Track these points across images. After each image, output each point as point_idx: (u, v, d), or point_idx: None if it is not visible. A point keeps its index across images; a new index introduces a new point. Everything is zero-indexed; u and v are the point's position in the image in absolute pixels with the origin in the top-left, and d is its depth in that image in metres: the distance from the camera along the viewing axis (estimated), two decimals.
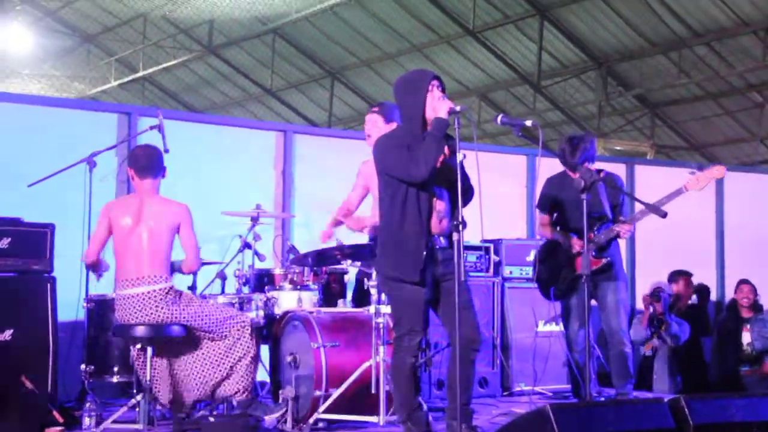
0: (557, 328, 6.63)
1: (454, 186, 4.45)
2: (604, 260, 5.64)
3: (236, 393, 5.31)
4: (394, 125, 5.62)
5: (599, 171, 5.77)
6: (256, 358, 5.43)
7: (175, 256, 5.42)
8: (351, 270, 6.10)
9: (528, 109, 16.63)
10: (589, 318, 5.54)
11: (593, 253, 5.57)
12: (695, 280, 8.87)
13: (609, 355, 5.75)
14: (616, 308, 5.66)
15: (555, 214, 5.86)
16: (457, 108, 4.44)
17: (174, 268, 5.46)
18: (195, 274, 5.80)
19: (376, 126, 5.68)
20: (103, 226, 5.33)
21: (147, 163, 5.38)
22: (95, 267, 5.44)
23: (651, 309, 8.10)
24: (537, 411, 3.90)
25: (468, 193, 4.57)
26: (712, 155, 16.90)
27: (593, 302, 5.78)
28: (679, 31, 13.79)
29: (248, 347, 5.34)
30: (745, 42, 13.69)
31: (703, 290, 8.95)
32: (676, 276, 8.69)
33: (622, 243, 8.77)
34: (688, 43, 14.01)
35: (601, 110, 16.03)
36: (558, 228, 5.81)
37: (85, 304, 5.75)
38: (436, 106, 4.49)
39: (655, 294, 8.04)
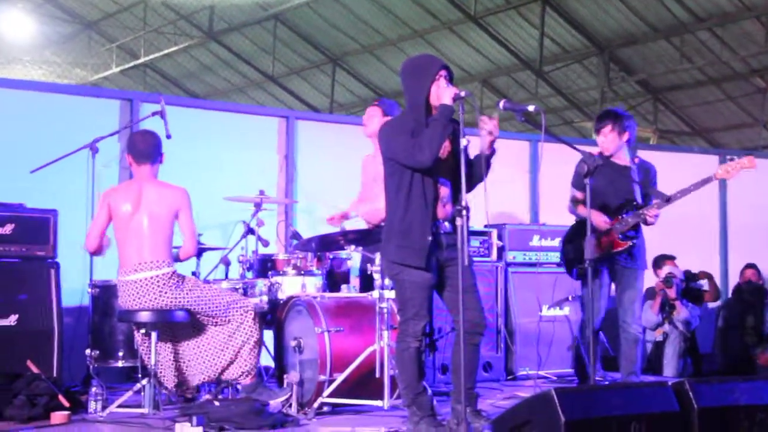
0: (561, 312, 6.64)
1: (457, 171, 4.46)
2: (629, 242, 5.64)
3: (240, 376, 5.34)
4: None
5: (635, 158, 5.80)
6: (260, 342, 5.44)
7: (175, 243, 5.42)
8: (354, 255, 6.10)
9: (530, 95, 16.59)
10: (603, 301, 5.59)
11: (619, 236, 5.60)
12: (699, 266, 8.87)
13: (619, 340, 5.76)
14: (632, 294, 5.67)
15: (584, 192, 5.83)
16: (462, 93, 4.44)
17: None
18: (199, 256, 5.81)
19: (374, 118, 5.85)
20: (104, 214, 5.33)
21: (144, 148, 5.37)
22: (97, 253, 5.44)
23: (663, 294, 8.10)
24: (541, 395, 3.91)
25: (473, 179, 4.57)
26: (715, 140, 16.88)
27: (612, 286, 5.80)
28: (682, 16, 13.75)
29: (252, 331, 5.35)
30: (748, 27, 13.66)
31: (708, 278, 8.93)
32: (661, 261, 8.67)
33: None
34: (691, 28, 13.97)
35: (603, 96, 16.01)
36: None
37: (89, 290, 5.76)
38: (441, 92, 4.49)
39: (668, 280, 8.04)
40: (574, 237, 5.86)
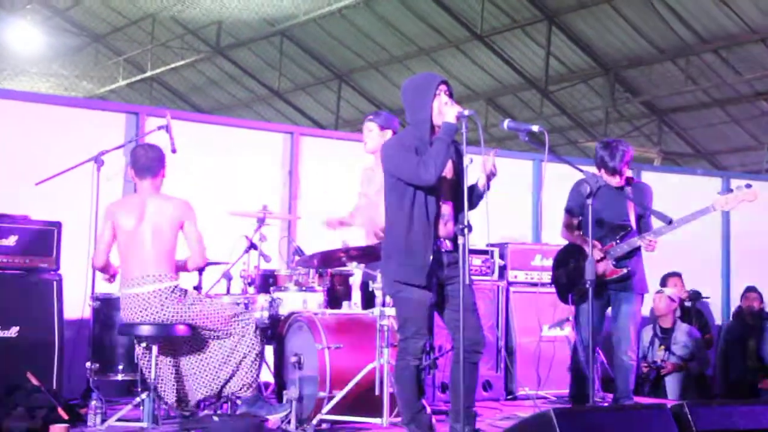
0: (561, 332, 6.63)
1: (459, 190, 4.48)
2: (622, 270, 5.63)
3: (241, 389, 5.33)
4: (389, 132, 5.68)
5: (630, 179, 5.77)
6: (260, 356, 5.44)
7: (179, 256, 5.43)
8: (356, 272, 6.11)
9: (535, 114, 16.61)
10: (599, 324, 5.57)
11: (613, 262, 5.58)
12: (701, 289, 8.85)
13: (614, 364, 5.75)
14: (626, 320, 5.65)
15: (581, 218, 5.82)
16: (466, 112, 4.46)
17: (178, 266, 5.46)
18: (201, 270, 5.82)
19: (371, 133, 5.82)
20: (108, 229, 5.34)
21: (146, 162, 5.39)
22: (105, 270, 5.45)
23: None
24: (540, 415, 3.91)
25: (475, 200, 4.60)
26: (719, 163, 16.88)
27: (608, 310, 5.79)
28: (687, 38, 13.78)
29: (252, 345, 5.36)
30: (753, 50, 13.68)
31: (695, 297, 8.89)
32: (666, 278, 8.64)
33: None
34: (696, 50, 14.00)
35: (608, 116, 16.03)
36: (581, 232, 5.78)
37: (90, 303, 5.77)
38: (444, 110, 4.51)
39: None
40: (565, 262, 5.85)
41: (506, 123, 4.64)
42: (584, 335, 5.73)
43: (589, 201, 4.96)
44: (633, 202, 5.68)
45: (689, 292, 8.70)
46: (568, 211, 5.83)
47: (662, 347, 7.97)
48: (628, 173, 5.82)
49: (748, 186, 5.48)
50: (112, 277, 5.46)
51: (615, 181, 5.68)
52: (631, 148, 5.75)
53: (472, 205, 4.55)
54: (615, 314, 5.70)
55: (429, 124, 4.54)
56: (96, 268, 5.46)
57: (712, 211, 5.48)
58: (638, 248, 5.65)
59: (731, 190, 5.44)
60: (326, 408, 5.09)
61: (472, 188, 4.59)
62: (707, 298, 8.95)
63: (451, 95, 4.59)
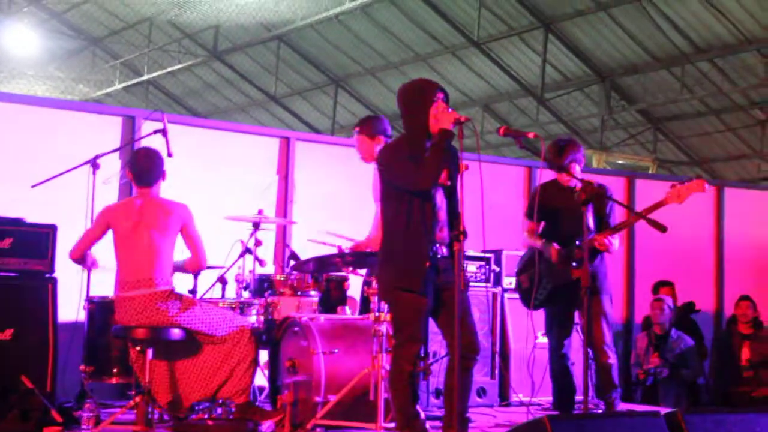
0: None
1: (454, 196, 4.50)
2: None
3: (234, 395, 5.33)
4: (380, 138, 5.66)
5: (589, 182, 5.76)
6: (255, 362, 5.44)
7: (177, 257, 5.43)
8: (351, 277, 6.11)
9: (531, 121, 16.64)
10: (569, 328, 5.59)
11: (574, 264, 5.56)
12: (694, 297, 8.87)
13: (595, 366, 5.77)
14: (597, 321, 5.64)
15: (543, 223, 5.84)
16: (462, 119, 4.47)
17: (177, 268, 5.46)
18: (197, 275, 5.83)
19: (363, 145, 5.77)
20: (99, 229, 5.35)
21: (145, 167, 5.39)
22: (80, 262, 5.45)
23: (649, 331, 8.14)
24: (533, 421, 3.92)
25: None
26: (714, 171, 16.92)
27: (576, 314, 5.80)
28: (683, 47, 13.82)
29: (247, 350, 5.36)
30: (748, 59, 13.72)
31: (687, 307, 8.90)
32: (658, 287, 8.65)
33: (620, 259, 8.84)
34: (692, 59, 14.04)
35: (603, 124, 16.05)
36: (543, 237, 5.79)
37: (85, 305, 5.76)
38: (440, 116, 4.51)
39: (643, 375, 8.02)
40: (527, 267, 5.87)
41: (501, 130, 4.66)
42: (552, 341, 5.75)
43: (585, 208, 4.97)
44: (593, 206, 5.67)
45: (683, 304, 8.73)
46: (528, 215, 5.84)
47: (656, 354, 7.99)
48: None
49: (698, 176, 5.51)
50: (88, 270, 5.46)
51: (568, 182, 5.67)
52: (582, 149, 5.76)
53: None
54: (587, 317, 5.67)
55: (425, 130, 4.55)
56: (71, 259, 5.44)
57: (665, 204, 5.44)
58: (597, 249, 5.63)
59: (683, 183, 5.44)
60: (321, 413, 5.09)
61: None
62: (699, 311, 8.97)
63: (447, 102, 4.60)
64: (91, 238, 5.38)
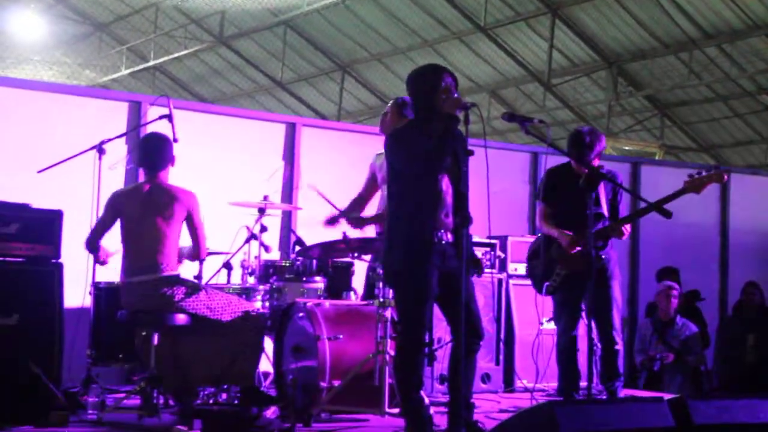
0: None
1: (460, 182, 4.49)
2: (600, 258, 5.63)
3: (239, 381, 5.34)
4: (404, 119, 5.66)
5: (600, 167, 5.76)
6: (260, 348, 5.45)
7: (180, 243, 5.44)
8: (357, 263, 6.12)
9: (538, 107, 16.60)
10: (578, 315, 5.60)
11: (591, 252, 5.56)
12: (699, 283, 8.85)
13: (601, 351, 5.77)
14: (607, 307, 5.66)
15: (553, 207, 5.83)
16: (468, 104, 4.46)
17: (180, 255, 5.47)
18: (202, 260, 5.84)
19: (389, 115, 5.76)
20: (110, 216, 5.36)
21: (154, 152, 5.40)
22: (95, 251, 5.46)
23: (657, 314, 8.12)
24: (539, 407, 3.92)
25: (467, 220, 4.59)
26: (721, 157, 16.87)
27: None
28: (691, 32, 13.76)
29: (252, 336, 5.37)
30: (757, 44, 13.66)
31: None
32: (663, 275, 8.62)
33: (624, 245, 8.83)
34: (699, 45, 13.98)
35: (610, 110, 16.00)
36: (554, 222, 5.79)
37: (91, 291, 5.78)
38: (447, 103, 4.51)
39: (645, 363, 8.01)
40: (539, 252, 5.86)
41: (505, 115, 4.67)
42: (562, 326, 5.75)
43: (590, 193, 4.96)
44: (606, 192, 5.70)
45: (687, 292, 8.71)
46: (541, 199, 5.84)
47: (661, 340, 7.99)
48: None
49: (717, 167, 5.49)
50: (104, 261, 5.47)
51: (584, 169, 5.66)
52: (603, 139, 5.76)
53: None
54: (596, 302, 5.68)
55: (433, 115, 4.55)
56: (87, 249, 5.46)
57: (684, 194, 5.46)
58: (610, 236, 5.65)
59: (701, 173, 5.45)
60: (325, 398, 5.10)
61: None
62: (704, 299, 8.96)
63: (455, 86, 4.60)
64: (103, 226, 5.39)
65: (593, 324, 5.60)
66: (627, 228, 5.63)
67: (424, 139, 4.51)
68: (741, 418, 4.00)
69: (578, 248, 5.53)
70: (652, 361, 7.88)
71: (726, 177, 5.47)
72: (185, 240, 5.44)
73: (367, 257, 5.94)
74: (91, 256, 5.61)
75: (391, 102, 5.87)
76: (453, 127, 4.47)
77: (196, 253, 5.44)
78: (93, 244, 5.41)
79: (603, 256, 5.63)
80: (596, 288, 5.63)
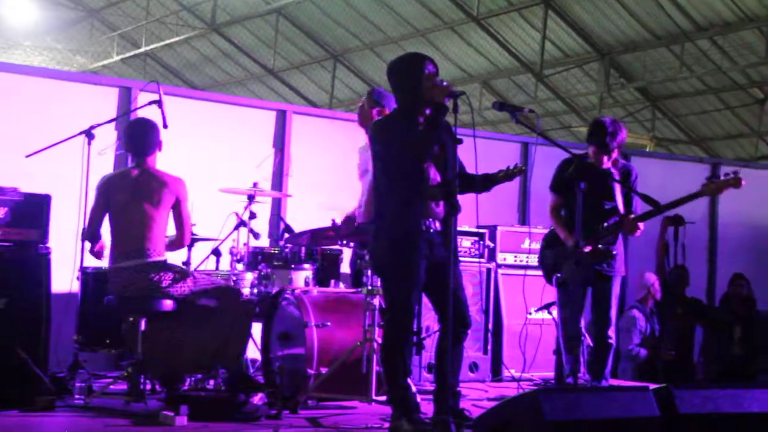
0: (549, 315, 6.66)
1: (448, 171, 4.49)
2: (610, 252, 5.63)
3: (226, 366, 5.33)
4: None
5: (616, 161, 5.76)
6: (248, 332, 5.44)
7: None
8: (345, 250, 6.12)
9: (529, 98, 16.61)
10: (582, 307, 5.60)
11: (601, 247, 5.58)
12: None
13: (594, 345, 5.78)
14: (606, 303, 5.67)
15: (564, 198, 5.79)
16: (456, 92, 4.45)
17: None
18: (191, 246, 5.84)
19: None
20: (101, 203, 5.34)
21: (142, 138, 5.38)
22: (94, 240, 5.43)
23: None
24: (524, 395, 3.94)
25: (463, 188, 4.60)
26: (712, 150, 16.91)
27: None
28: (683, 25, 13.77)
29: (239, 321, 5.36)
30: (749, 37, 13.67)
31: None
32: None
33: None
34: (691, 37, 14.00)
35: (602, 101, 16.03)
36: (565, 215, 5.76)
37: (79, 276, 5.76)
38: (433, 90, 4.50)
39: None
40: (553, 243, 5.86)
41: (495, 104, 4.67)
42: (566, 318, 5.75)
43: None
44: (620, 185, 5.68)
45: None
46: (553, 190, 5.82)
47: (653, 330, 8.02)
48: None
49: (735, 172, 5.50)
50: (100, 252, 5.46)
51: (601, 161, 5.65)
52: (624, 131, 5.74)
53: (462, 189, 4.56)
54: (597, 296, 5.70)
55: (417, 104, 4.54)
56: (85, 240, 5.45)
57: (699, 197, 5.48)
58: (620, 232, 5.66)
59: (719, 177, 5.48)
60: (313, 385, 5.11)
61: (472, 177, 4.62)
62: (693, 222, 8.83)
63: (436, 74, 4.58)
64: (99, 212, 5.36)
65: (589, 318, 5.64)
66: (641, 225, 5.59)
67: (410, 128, 4.50)
68: (725, 407, 4.03)
69: (588, 248, 5.51)
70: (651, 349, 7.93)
71: (744, 182, 5.45)
72: (170, 229, 5.42)
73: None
74: (80, 243, 5.59)
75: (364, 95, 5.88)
76: (441, 115, 4.46)
77: (180, 240, 5.42)
78: (93, 233, 5.38)
79: (615, 252, 5.62)
80: (599, 282, 5.64)
